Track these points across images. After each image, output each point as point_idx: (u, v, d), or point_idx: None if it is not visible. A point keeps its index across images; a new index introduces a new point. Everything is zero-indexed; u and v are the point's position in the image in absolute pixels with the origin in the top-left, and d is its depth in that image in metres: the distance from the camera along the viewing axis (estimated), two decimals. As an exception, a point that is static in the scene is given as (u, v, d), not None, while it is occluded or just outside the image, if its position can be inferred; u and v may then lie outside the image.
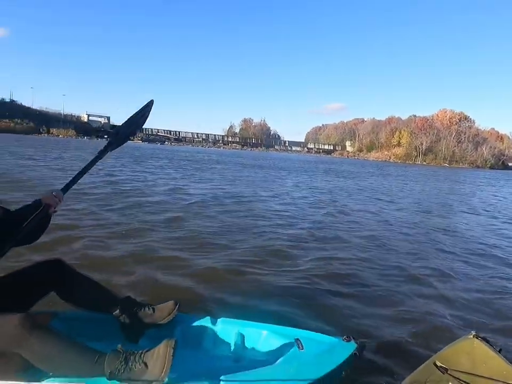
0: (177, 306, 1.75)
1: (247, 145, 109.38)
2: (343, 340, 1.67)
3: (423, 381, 1.33)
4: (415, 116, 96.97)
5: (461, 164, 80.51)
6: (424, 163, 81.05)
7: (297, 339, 1.66)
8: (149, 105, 2.14)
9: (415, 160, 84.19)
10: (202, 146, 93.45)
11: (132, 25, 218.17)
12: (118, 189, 8.16)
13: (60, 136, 65.28)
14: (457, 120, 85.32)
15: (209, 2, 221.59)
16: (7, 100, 74.71)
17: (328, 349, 1.61)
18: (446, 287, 3.42)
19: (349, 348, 1.61)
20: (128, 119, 2.06)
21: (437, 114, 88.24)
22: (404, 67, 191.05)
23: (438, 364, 1.38)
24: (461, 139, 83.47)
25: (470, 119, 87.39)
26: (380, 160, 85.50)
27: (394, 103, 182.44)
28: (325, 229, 5.61)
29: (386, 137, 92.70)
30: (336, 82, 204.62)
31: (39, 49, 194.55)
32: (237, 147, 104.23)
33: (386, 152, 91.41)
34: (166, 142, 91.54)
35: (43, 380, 1.31)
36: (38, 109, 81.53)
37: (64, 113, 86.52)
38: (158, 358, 1.34)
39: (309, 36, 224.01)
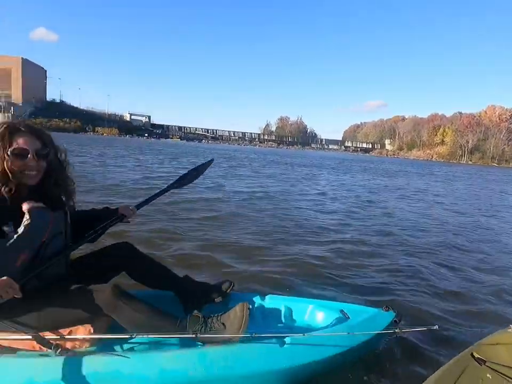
0: (232, 285, 1.94)
1: (283, 144, 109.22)
2: (383, 309, 1.85)
3: (459, 371, 1.29)
4: (460, 113, 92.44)
5: (511, 164, 75.60)
6: (470, 162, 76.96)
7: (342, 310, 1.86)
8: (210, 162, 2.56)
9: (460, 159, 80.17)
10: (238, 144, 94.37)
11: (166, 32, 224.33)
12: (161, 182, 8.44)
13: (104, 134, 68.47)
14: (508, 117, 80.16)
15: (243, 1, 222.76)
16: (57, 100, 79.36)
17: (371, 317, 1.78)
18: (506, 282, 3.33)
19: (389, 316, 1.79)
20: (192, 169, 2.42)
21: (485, 111, 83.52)
22: (448, 63, 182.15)
23: (476, 355, 1.34)
24: (512, 137, 78.50)
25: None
26: (421, 159, 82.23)
27: (437, 100, 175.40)
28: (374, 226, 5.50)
29: (428, 135, 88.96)
30: (376, 79, 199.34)
31: (85, 53, 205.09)
32: (273, 145, 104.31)
33: (428, 151, 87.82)
34: (203, 140, 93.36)
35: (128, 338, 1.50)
36: (85, 108, 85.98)
37: (109, 113, 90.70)
38: (235, 317, 1.56)
39: (348, 33, 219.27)
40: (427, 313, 2.51)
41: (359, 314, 1.82)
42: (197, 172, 2.45)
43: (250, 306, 1.59)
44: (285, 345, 1.52)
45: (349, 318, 1.80)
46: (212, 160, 2.49)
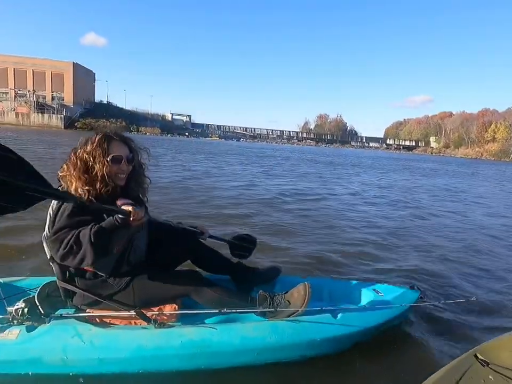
0: (279, 270, 2.25)
1: (321, 142, 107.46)
2: (409, 288, 2.23)
3: (461, 372, 1.30)
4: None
5: None
6: (525, 160, 71.51)
7: (375, 289, 2.21)
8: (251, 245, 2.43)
9: (514, 157, 74.74)
10: (276, 142, 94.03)
11: (205, 35, 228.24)
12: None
13: (147, 133, 71.03)
14: None
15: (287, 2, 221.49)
16: (105, 101, 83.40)
17: (400, 295, 2.13)
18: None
19: (415, 294, 2.17)
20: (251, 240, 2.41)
21: (543, 105, 77.09)
22: (500, 53, 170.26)
23: (479, 356, 1.36)
24: None
25: None
26: (470, 157, 77.61)
27: (489, 95, 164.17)
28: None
29: (478, 132, 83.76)
30: (421, 72, 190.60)
31: (130, 56, 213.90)
32: (311, 143, 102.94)
33: (477, 149, 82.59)
34: (242, 139, 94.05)
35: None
36: (129, 109, 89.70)
37: (151, 113, 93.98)
38: (299, 295, 1.84)
39: (388, 25, 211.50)
40: (451, 290, 2.91)
41: (389, 292, 2.18)
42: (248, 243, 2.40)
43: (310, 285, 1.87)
44: (339, 317, 1.86)
45: (382, 295, 2.15)
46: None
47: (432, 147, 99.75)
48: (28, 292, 1.94)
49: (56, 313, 1.75)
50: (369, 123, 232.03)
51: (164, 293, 1.80)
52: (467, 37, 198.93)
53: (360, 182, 11.55)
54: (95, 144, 1.65)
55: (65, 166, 1.67)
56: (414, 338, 2.18)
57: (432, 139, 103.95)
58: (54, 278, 1.93)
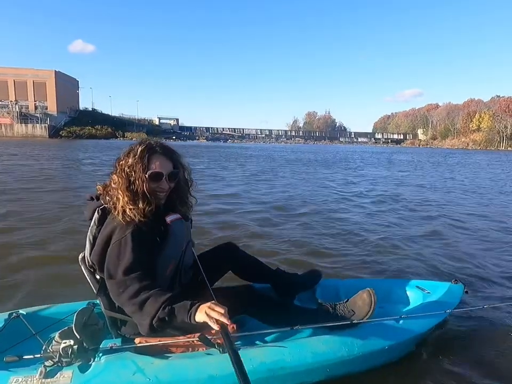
0: (321, 274, 2.16)
1: (310, 139, 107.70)
2: (452, 283, 2.18)
3: None
4: (498, 96, 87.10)
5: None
6: (510, 148, 72.26)
7: (418, 286, 2.19)
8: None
9: (498, 146, 75.48)
10: (264, 142, 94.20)
11: (191, 35, 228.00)
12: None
13: (133, 139, 70.57)
14: (551, 98, 74.57)
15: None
16: (90, 108, 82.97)
17: (446, 291, 2.11)
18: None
19: (459, 288, 2.14)
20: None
21: (525, 93, 77.92)
22: (486, 42, 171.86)
23: None
24: (556, 119, 72.83)
25: None
26: (456, 147, 78.25)
27: (474, 85, 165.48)
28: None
29: (463, 122, 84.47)
30: (411, 67, 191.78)
31: (117, 61, 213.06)
32: (300, 141, 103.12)
33: (463, 139, 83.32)
34: (229, 140, 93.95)
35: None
36: (116, 115, 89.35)
37: (138, 118, 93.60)
38: (364, 302, 1.77)
39: (377, 21, 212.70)
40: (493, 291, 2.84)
41: (435, 289, 2.16)
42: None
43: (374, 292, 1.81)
44: (402, 321, 1.80)
45: (429, 292, 2.13)
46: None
47: (420, 139, 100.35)
48: (59, 322, 1.75)
49: (103, 346, 1.55)
50: (360, 119, 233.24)
51: None
52: (454, 28, 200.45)
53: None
54: (137, 157, 1.47)
55: (115, 177, 1.50)
56: (464, 334, 2.20)
57: (419, 131, 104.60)
58: (83, 303, 1.84)
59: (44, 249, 3.52)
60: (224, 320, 1.27)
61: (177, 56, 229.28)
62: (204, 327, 1.47)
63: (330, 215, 5.52)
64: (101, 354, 1.50)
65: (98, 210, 1.54)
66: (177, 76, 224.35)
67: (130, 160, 1.48)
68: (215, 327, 1.26)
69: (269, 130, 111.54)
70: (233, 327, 1.58)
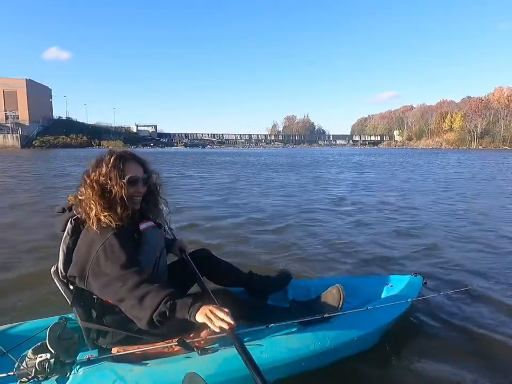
0: (291, 274, 2.28)
1: (289, 143, 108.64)
2: (412, 275, 2.37)
3: None
4: (469, 97, 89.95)
5: (524, 145, 72.72)
6: (481, 147, 74.63)
7: (383, 281, 2.38)
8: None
9: (470, 145, 77.85)
10: (243, 147, 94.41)
11: (169, 39, 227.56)
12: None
13: (110, 147, 69.31)
14: (517, 98, 77.48)
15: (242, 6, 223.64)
16: (64, 117, 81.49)
17: (407, 283, 2.28)
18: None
19: (419, 280, 2.33)
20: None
21: (493, 94, 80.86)
22: (457, 46, 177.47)
23: None
24: (523, 118, 75.66)
25: (533, 95, 78.79)
26: (431, 147, 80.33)
27: (446, 87, 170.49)
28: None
29: (436, 123, 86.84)
30: (387, 70, 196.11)
31: (92, 69, 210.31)
32: (279, 145, 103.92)
33: (437, 139, 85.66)
34: (208, 146, 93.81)
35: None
36: (92, 123, 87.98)
37: (115, 126, 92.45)
38: (333, 298, 1.91)
39: (353, 26, 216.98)
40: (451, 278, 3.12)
41: (397, 283, 2.32)
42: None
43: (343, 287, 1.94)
44: (369, 313, 1.89)
45: (391, 286, 2.30)
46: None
47: (396, 140, 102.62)
48: (31, 339, 1.69)
49: (79, 358, 1.51)
50: (339, 121, 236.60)
51: None
52: (428, 30, 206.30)
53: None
54: (110, 165, 1.52)
55: (83, 189, 1.53)
56: (424, 322, 2.37)
57: (395, 133, 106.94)
58: (54, 319, 1.79)
59: (7, 269, 3.37)
60: (229, 321, 1.32)
61: (154, 62, 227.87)
62: (185, 330, 1.59)
63: (297, 220, 5.49)
64: (78, 367, 1.48)
65: (71, 220, 1.56)
66: (155, 82, 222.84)
67: (103, 170, 1.52)
68: (216, 329, 1.31)
69: (248, 135, 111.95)
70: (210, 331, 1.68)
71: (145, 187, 1.63)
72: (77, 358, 1.51)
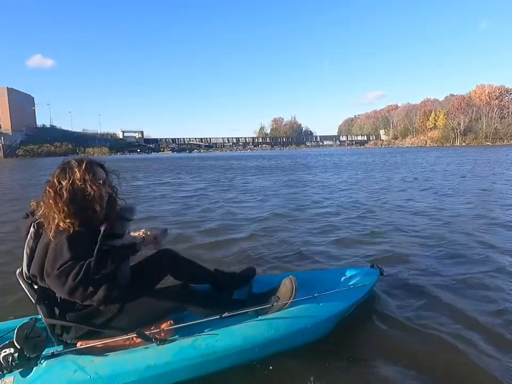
0: (255, 271, 2.33)
1: (277, 145, 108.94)
2: (370, 267, 2.56)
3: None
4: (452, 95, 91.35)
5: (505, 141, 74.16)
6: (464, 144, 75.85)
7: (343, 273, 2.52)
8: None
9: (454, 142, 79.08)
10: (231, 150, 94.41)
11: (153, 42, 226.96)
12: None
13: (95, 154, 69.06)
14: (498, 94, 79.00)
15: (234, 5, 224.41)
16: (48, 125, 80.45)
17: (365, 274, 2.46)
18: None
19: (376, 271, 2.49)
20: None
21: (474, 91, 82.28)
22: (440, 45, 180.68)
23: None
24: (504, 114, 77.19)
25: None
26: (416, 145, 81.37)
27: (430, 85, 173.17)
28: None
29: (420, 121, 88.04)
30: (374, 70, 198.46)
31: (76, 76, 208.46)
32: (267, 147, 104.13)
33: (422, 137, 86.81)
34: (195, 150, 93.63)
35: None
36: (78, 131, 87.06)
37: (100, 133, 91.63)
38: (286, 288, 2.00)
39: (340, 27, 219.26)
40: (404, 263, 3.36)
41: (355, 274, 2.46)
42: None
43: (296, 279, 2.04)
44: (322, 303, 2.03)
45: (349, 277, 2.43)
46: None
47: (383, 140, 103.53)
48: (1, 338, 1.76)
49: (45, 353, 1.63)
50: (326, 122, 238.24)
51: (158, 310, 1.82)
52: (414, 29, 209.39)
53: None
54: (83, 170, 1.64)
55: (42, 204, 1.62)
56: (381, 310, 2.46)
57: (381, 132, 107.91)
58: (25, 319, 1.85)
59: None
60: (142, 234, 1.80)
61: (140, 66, 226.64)
62: (146, 323, 1.75)
63: (265, 222, 5.53)
64: (42, 361, 1.59)
65: (34, 225, 1.66)
66: (142, 87, 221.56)
67: (78, 175, 1.62)
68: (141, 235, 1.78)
69: (236, 138, 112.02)
70: (170, 323, 1.79)
71: (109, 189, 1.77)
72: (43, 354, 1.62)
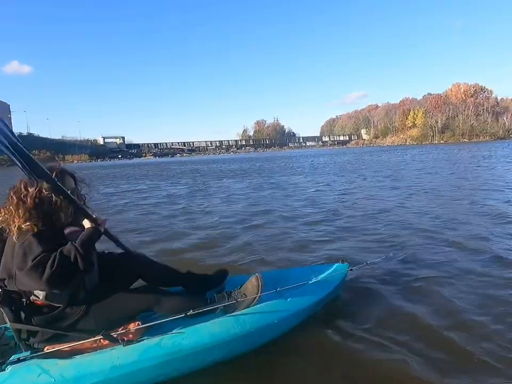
0: (227, 272, 2.31)
1: (260, 147, 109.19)
2: (340, 263, 2.61)
3: None
4: (430, 94, 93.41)
5: (481, 138, 76.31)
6: (442, 141, 77.65)
7: (313, 269, 2.59)
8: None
9: (432, 139, 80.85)
10: (214, 154, 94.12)
11: (135, 48, 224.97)
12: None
13: (74, 162, 68.00)
14: (473, 92, 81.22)
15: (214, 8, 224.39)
16: (25, 133, 78.54)
17: (334, 269, 2.52)
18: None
19: (345, 267, 2.55)
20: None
21: (451, 90, 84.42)
22: (417, 44, 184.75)
23: None
24: (479, 112, 79.36)
25: (487, 89, 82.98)
26: (396, 144, 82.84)
27: (409, 84, 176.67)
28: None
29: (400, 120, 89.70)
30: (357, 70, 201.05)
31: (55, 82, 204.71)
32: (250, 150, 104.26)
33: (401, 136, 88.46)
34: (178, 154, 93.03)
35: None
36: (56, 138, 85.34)
37: (80, 139, 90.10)
38: (252, 285, 2.01)
39: (322, 29, 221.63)
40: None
41: (324, 271, 2.51)
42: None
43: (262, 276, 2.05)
44: (289, 299, 2.08)
45: (318, 273, 2.46)
46: None
47: (364, 139, 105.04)
48: None
49: (11, 359, 1.62)
50: (309, 123, 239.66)
51: (125, 311, 1.82)
52: (395, 29, 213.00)
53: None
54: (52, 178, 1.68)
55: (2, 210, 1.66)
56: (352, 305, 2.53)
57: (363, 131, 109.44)
58: None
59: None
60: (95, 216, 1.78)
61: (121, 70, 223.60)
62: (113, 325, 1.76)
63: (233, 225, 5.56)
64: (7, 367, 1.59)
65: None
66: (123, 92, 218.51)
67: (45, 184, 1.64)
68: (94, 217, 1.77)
69: (219, 141, 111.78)
70: (138, 323, 1.80)
71: (75, 197, 1.80)
72: (9, 360, 1.62)
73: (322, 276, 2.44)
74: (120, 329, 1.77)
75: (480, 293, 2.65)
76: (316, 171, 17.15)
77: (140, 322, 1.82)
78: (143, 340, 1.74)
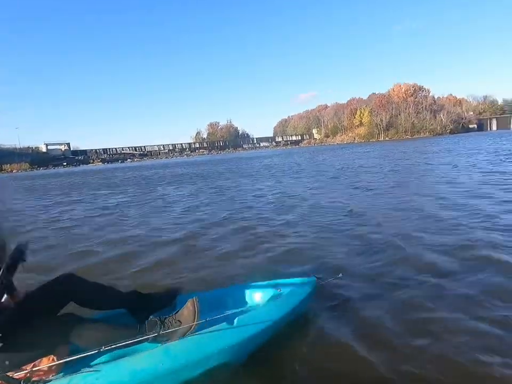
0: (177, 290, 2.13)
1: (215, 149, 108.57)
2: (308, 276, 2.40)
3: None
4: (375, 94, 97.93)
5: (422, 134, 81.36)
6: (387, 138, 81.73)
7: (275, 285, 2.26)
8: None
9: (378, 137, 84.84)
10: (166, 158, 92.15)
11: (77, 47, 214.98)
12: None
13: (14, 171, 63.44)
14: (412, 92, 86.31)
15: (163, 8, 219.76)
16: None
17: (298, 286, 2.25)
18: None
19: (312, 281, 2.32)
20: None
21: (393, 89, 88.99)
22: (361, 46, 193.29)
23: None
24: (419, 109, 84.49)
25: (425, 89, 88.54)
26: (345, 142, 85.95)
27: (356, 85, 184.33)
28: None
29: (348, 119, 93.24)
30: (305, 72, 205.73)
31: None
32: (204, 152, 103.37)
33: (350, 134, 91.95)
34: (129, 160, 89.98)
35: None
36: (-8, 146, 79.13)
37: (20, 147, 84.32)
38: (188, 312, 1.80)
39: (271, 31, 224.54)
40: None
41: (288, 286, 2.24)
42: None
43: (198, 299, 1.82)
44: (236, 322, 1.82)
45: (280, 291, 2.19)
46: None
47: (316, 138, 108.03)
48: None
49: None
50: (262, 124, 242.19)
51: (37, 346, 1.61)
52: (339, 32, 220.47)
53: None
54: None
55: None
56: (321, 321, 2.33)
57: (314, 131, 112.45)
58: None
59: None
60: None
61: (62, 69, 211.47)
62: (23, 361, 1.56)
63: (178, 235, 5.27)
64: None
65: None
66: (66, 94, 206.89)
67: None
68: None
69: (172, 144, 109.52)
70: (52, 359, 1.59)
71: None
72: None
73: (287, 291, 2.17)
74: (31, 365, 1.57)
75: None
76: (259, 176, 17.27)
77: (54, 358, 1.61)
78: (51, 380, 1.54)
